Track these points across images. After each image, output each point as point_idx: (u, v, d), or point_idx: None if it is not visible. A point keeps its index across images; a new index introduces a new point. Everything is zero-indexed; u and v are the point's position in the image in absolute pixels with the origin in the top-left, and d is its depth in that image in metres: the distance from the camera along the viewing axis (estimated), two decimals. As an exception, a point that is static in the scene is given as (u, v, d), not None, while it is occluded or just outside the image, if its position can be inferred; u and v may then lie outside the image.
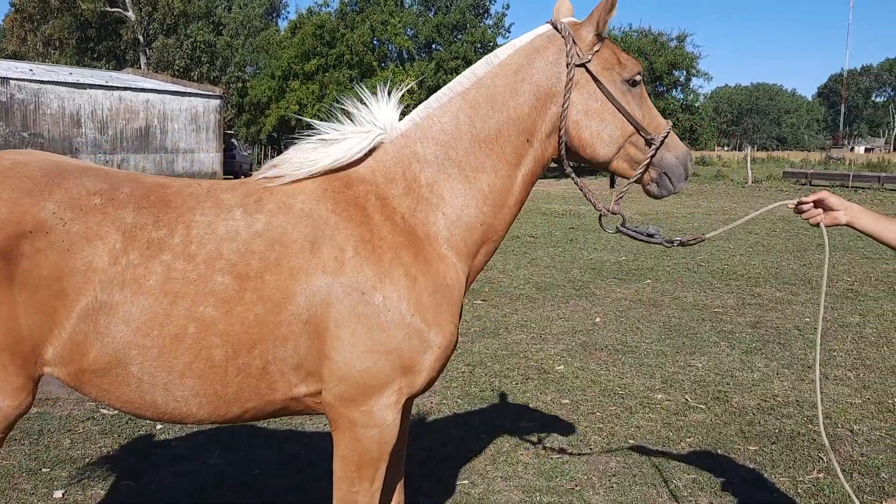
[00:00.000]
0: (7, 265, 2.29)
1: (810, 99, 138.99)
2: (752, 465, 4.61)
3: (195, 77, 44.64)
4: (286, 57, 39.65)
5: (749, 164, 35.76)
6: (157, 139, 24.07)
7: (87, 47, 48.18)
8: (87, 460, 4.47)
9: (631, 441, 4.94)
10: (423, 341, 2.53)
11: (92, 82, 22.21)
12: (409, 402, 2.73)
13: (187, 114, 24.87)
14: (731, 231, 15.75)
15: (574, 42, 2.67)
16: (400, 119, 2.76)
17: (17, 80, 20.25)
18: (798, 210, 2.86)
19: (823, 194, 2.80)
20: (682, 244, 2.95)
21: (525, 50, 2.72)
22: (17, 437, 4.73)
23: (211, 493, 4.12)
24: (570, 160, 2.79)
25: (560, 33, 2.70)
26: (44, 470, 4.33)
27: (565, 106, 2.65)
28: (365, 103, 2.73)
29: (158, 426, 5.00)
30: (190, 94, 25.18)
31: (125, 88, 23.03)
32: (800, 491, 4.28)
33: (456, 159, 2.67)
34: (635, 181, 2.79)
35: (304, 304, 2.45)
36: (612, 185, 2.99)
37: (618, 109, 2.68)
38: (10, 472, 4.27)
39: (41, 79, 20.78)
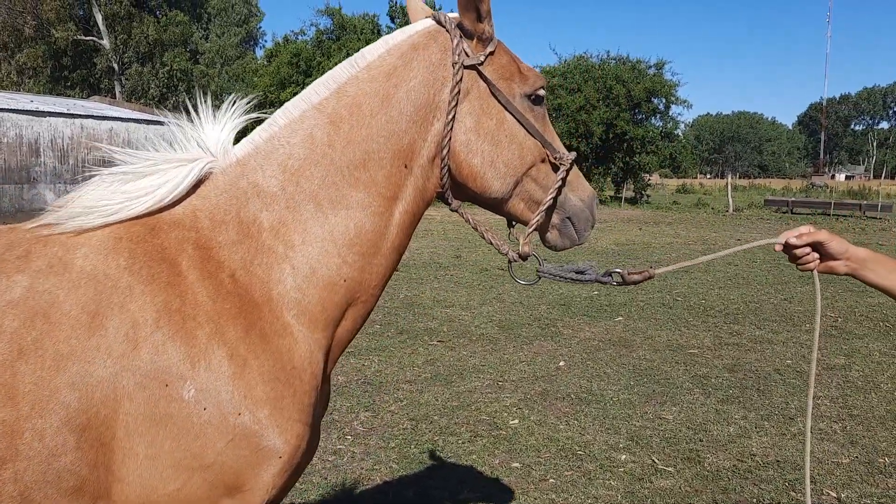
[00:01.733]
0: None
1: (791, 127, 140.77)
2: (724, 550, 3.93)
3: (171, 105, 43.99)
4: (262, 85, 39.16)
5: (730, 191, 35.40)
6: (121, 168, 23.16)
7: (61, 76, 47.46)
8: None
9: (586, 517, 4.25)
10: (257, 449, 1.82)
11: (52, 110, 21.45)
12: None
13: (152, 143, 24.06)
14: (710, 262, 15.19)
15: (462, 38, 2.04)
16: (237, 141, 2.09)
17: (-28, 107, 19.49)
18: (786, 251, 2.22)
19: (822, 236, 2.17)
20: (623, 282, 2.30)
21: (401, 48, 2.08)
22: None
23: None
24: (458, 196, 2.14)
25: (444, 27, 2.07)
26: None
27: (450, 121, 2.02)
28: (192, 121, 2.07)
29: None
30: (157, 123, 24.48)
31: (87, 116, 22.27)
32: (781, 586, 3.60)
33: (311, 192, 1.99)
34: (535, 228, 2.19)
35: (77, 403, 1.73)
36: (509, 224, 2.35)
37: (522, 129, 2.09)
38: None
39: (-2, 106, 20.04)
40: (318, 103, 2.05)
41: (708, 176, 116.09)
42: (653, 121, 39.09)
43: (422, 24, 2.13)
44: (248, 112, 2.11)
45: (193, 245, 1.92)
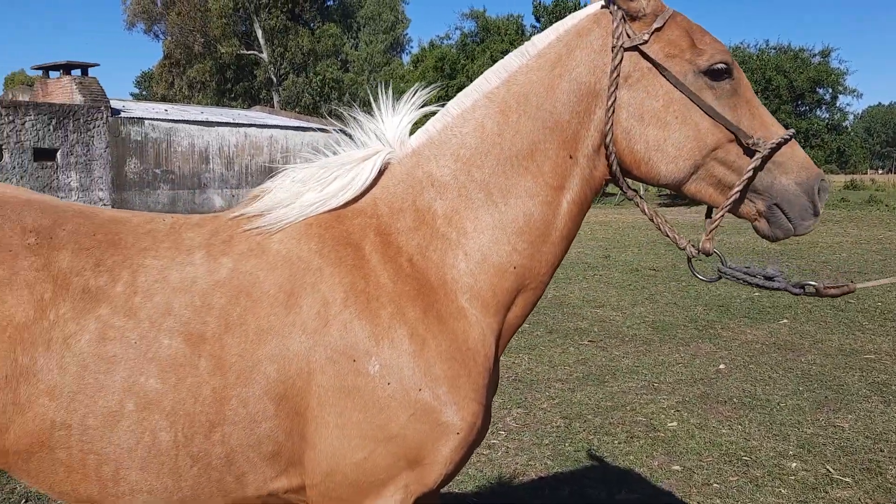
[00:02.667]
0: None
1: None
2: (916, 570, 3.59)
3: (323, 113, 46.17)
4: (408, 90, 40.25)
5: (905, 187, 32.57)
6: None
7: (225, 88, 51.01)
8: None
9: (755, 525, 4.03)
10: (436, 425, 1.89)
11: (219, 120, 23.13)
12: (426, 498, 2.08)
13: (309, 148, 25.35)
14: (886, 262, 14.02)
15: (624, 19, 1.97)
16: (413, 132, 2.16)
17: (151, 119, 21.35)
18: None
19: None
20: (817, 293, 2.12)
21: (567, 35, 2.05)
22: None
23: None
24: (634, 180, 2.08)
25: (608, 9, 2.02)
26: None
27: (610, 107, 1.96)
28: (371, 113, 2.16)
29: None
30: (312, 129, 25.77)
31: (250, 125, 23.82)
32: None
33: (482, 181, 2.03)
34: (729, 210, 2.02)
35: (276, 374, 1.87)
36: (707, 214, 2.21)
37: (696, 109, 1.95)
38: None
39: (173, 118, 21.84)
40: (489, 92, 2.08)
41: (880, 171, 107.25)
42: (817, 112, 36.63)
43: (592, 6, 2.09)
44: (425, 104, 2.17)
45: (374, 231, 2.01)
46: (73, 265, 1.95)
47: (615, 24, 1.98)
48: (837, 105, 36.32)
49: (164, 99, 48.12)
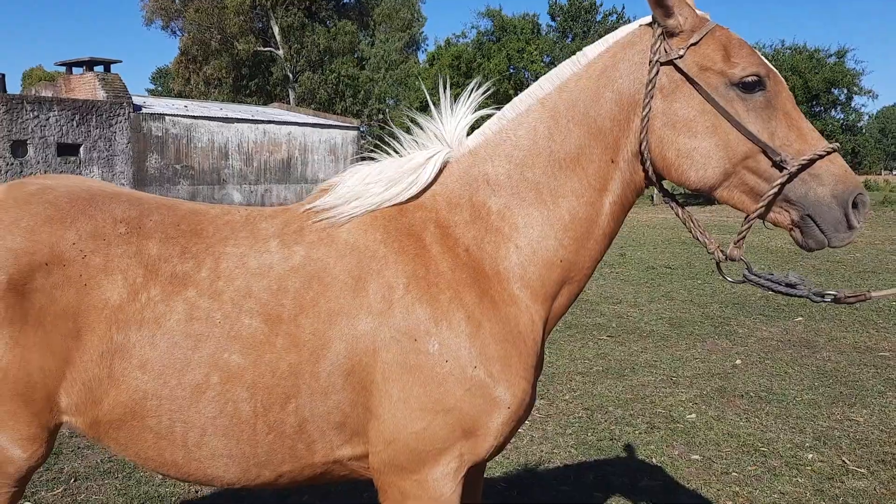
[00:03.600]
0: (20, 301, 2.06)
1: None
2: (928, 554, 3.76)
3: (338, 110, 46.40)
4: (425, 88, 40.34)
5: (921, 188, 32.45)
6: (297, 170, 24.98)
7: (241, 85, 51.30)
8: (174, 499, 4.30)
9: (773, 511, 4.20)
10: (489, 399, 2.08)
11: (239, 116, 23.40)
12: (475, 469, 2.27)
13: (326, 145, 25.65)
14: (901, 262, 14.09)
15: (664, 35, 2.12)
16: (471, 132, 2.35)
17: (172, 115, 21.64)
18: None
19: None
20: (836, 301, 2.24)
21: (615, 47, 2.22)
22: (111, 470, 4.64)
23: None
24: (671, 183, 2.25)
25: (651, 25, 2.18)
26: (127, 507, 4.19)
27: (645, 116, 2.11)
28: (433, 115, 2.35)
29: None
30: (329, 126, 25.98)
31: (269, 122, 24.08)
32: None
33: (533, 181, 2.21)
34: (758, 217, 2.13)
35: (345, 352, 2.07)
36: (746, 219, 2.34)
37: (723, 121, 2.07)
38: (96, 507, 4.17)
39: (193, 114, 22.11)
40: (542, 98, 2.25)
41: (894, 172, 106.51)
42: (832, 113, 36.52)
43: (638, 21, 2.25)
44: (481, 107, 2.35)
45: (434, 223, 2.20)
46: (162, 252, 2.16)
47: (655, 40, 2.13)
48: (852, 106, 36.22)
49: (180, 95, 48.49)
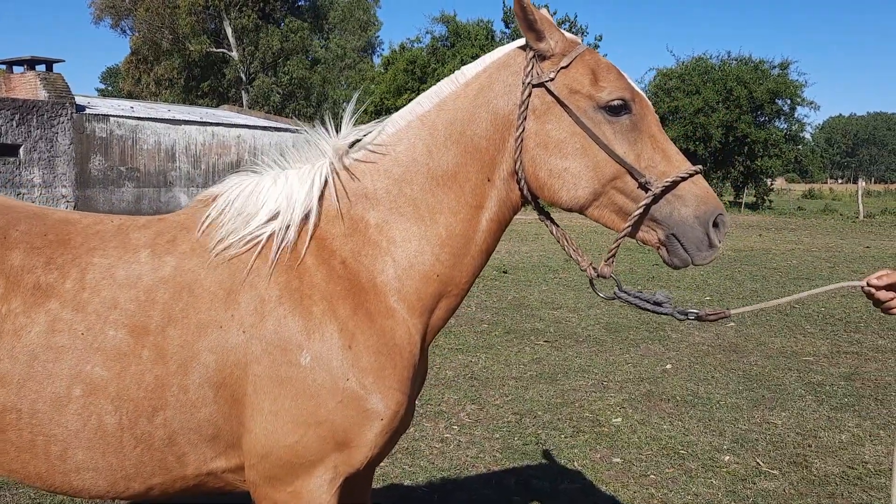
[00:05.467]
0: None
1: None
2: (826, 552, 3.91)
3: (289, 113, 46.04)
4: (379, 92, 40.35)
5: (860, 196, 33.50)
6: (247, 173, 24.62)
7: (193, 86, 50.60)
8: None
9: (685, 512, 4.31)
10: (362, 411, 2.10)
11: (187, 118, 23.07)
12: (360, 476, 2.30)
13: (276, 148, 25.43)
14: (834, 269, 14.56)
15: (536, 58, 2.19)
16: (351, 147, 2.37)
17: (117, 116, 21.24)
18: (868, 294, 2.23)
19: None
20: (698, 319, 2.35)
21: (491, 67, 2.27)
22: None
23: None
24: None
25: (524, 48, 2.24)
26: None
27: (519, 136, 2.17)
28: (317, 130, 2.36)
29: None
30: (279, 129, 25.78)
31: (217, 124, 23.79)
32: (883, 589, 3.56)
33: (411, 196, 2.25)
34: (626, 236, 2.21)
35: (214, 364, 2.07)
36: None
37: (591, 142, 2.14)
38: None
39: (139, 115, 21.75)
40: (422, 115, 2.29)
41: (839, 181, 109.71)
42: (776, 123, 37.50)
43: (513, 43, 2.31)
44: (363, 122, 2.38)
45: (311, 236, 2.21)
46: (25, 263, 2.13)
47: (527, 62, 2.19)
48: (796, 116, 37.23)
49: (130, 95, 47.59)
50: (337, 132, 2.34)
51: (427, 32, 43.98)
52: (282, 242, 2.16)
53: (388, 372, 2.14)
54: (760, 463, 5.05)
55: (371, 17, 56.06)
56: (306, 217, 2.23)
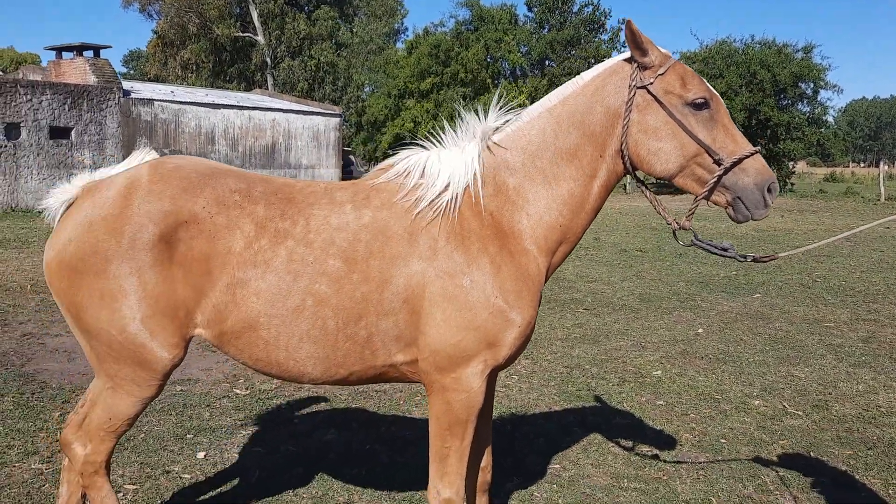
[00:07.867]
0: (168, 248, 2.83)
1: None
2: (844, 468, 4.66)
3: (317, 97, 46.82)
4: (402, 76, 40.87)
5: (882, 179, 33.81)
6: (281, 155, 25.62)
7: (220, 70, 51.46)
8: (223, 430, 5.07)
9: (723, 441, 5.08)
10: (506, 320, 2.88)
11: (225, 102, 23.94)
12: (494, 372, 3.09)
13: (309, 131, 26.33)
14: (854, 248, 15.16)
15: (640, 68, 2.94)
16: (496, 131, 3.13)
17: (161, 101, 22.13)
18: None
19: None
20: (755, 260, 3.24)
21: (603, 73, 3.03)
22: (166, 408, 5.41)
23: (324, 461, 4.60)
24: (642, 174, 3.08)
25: (628, 60, 3.00)
26: (188, 436, 4.97)
27: (625, 124, 2.93)
28: (468, 117, 3.12)
29: (284, 405, 5.57)
30: (312, 113, 26.59)
31: (254, 108, 24.64)
32: (891, 492, 4.31)
33: (541, 167, 3.02)
34: (703, 198, 2.95)
35: (402, 285, 2.86)
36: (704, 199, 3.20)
37: (679, 129, 2.88)
38: (162, 436, 4.93)
39: (181, 100, 22.62)
40: (550, 108, 3.07)
41: (861, 164, 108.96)
42: (799, 106, 37.71)
43: (621, 56, 3.07)
44: (507, 112, 3.12)
45: (469, 195, 2.99)
46: (267, 214, 2.93)
47: (633, 71, 2.95)
48: (818, 99, 37.42)
49: (156, 79, 48.54)
50: (485, 118, 3.11)
51: (451, 16, 44.44)
52: (448, 200, 2.94)
53: (523, 294, 2.93)
54: (786, 406, 5.80)
55: (397, 3, 56.56)
56: (466, 183, 3.01)
